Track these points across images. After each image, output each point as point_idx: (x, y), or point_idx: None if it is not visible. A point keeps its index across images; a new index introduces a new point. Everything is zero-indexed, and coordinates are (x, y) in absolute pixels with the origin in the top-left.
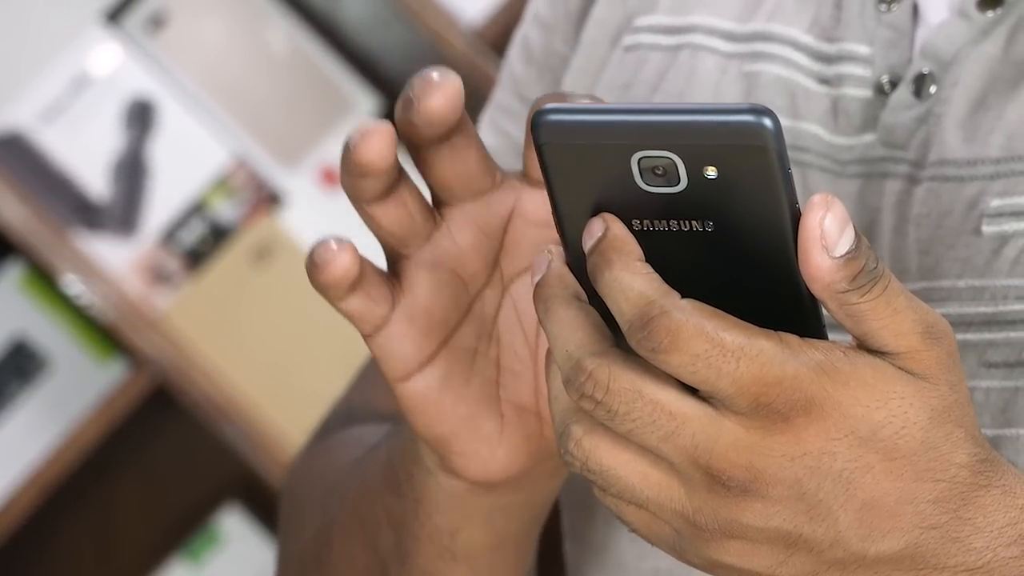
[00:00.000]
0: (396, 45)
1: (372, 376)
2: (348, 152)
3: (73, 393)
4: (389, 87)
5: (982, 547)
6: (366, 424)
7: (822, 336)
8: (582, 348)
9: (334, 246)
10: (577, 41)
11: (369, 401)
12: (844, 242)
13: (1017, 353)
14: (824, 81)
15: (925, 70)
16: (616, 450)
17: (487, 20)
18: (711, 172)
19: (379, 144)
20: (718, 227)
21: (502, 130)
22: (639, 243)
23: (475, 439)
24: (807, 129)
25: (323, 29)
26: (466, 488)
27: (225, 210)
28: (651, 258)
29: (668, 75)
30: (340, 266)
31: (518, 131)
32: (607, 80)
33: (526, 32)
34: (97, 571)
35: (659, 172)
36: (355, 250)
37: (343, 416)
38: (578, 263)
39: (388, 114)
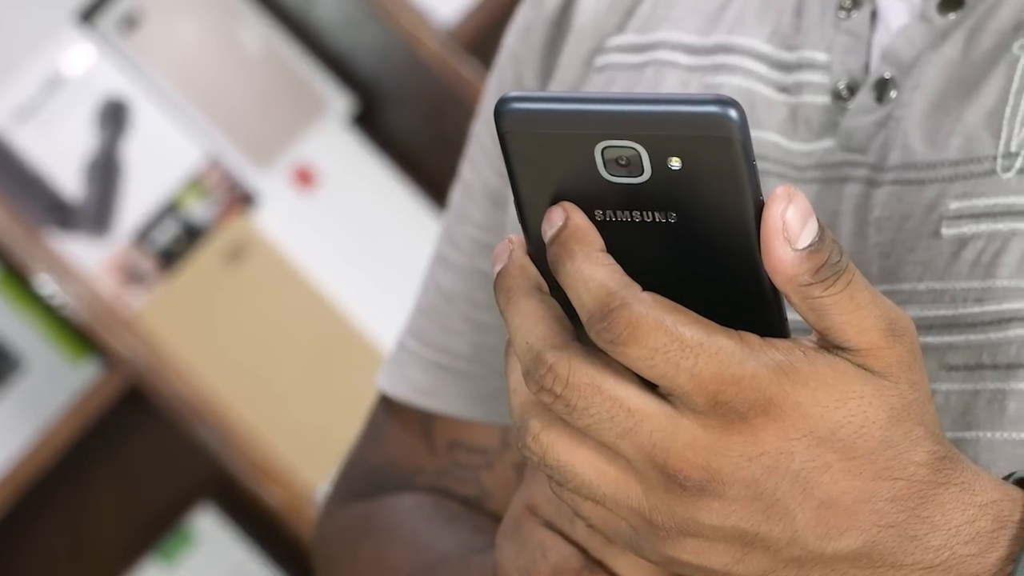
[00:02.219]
0: (370, 45)
1: (385, 433)
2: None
3: (46, 393)
4: (363, 87)
5: (939, 545)
6: (400, 494)
7: (784, 331)
8: (543, 341)
9: None
10: (550, 70)
11: (390, 461)
12: (807, 235)
13: (976, 356)
14: (783, 89)
15: (887, 75)
16: (574, 445)
17: (461, 20)
18: (675, 163)
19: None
20: (681, 219)
21: (479, 169)
22: (601, 234)
23: None
24: (766, 138)
25: (297, 29)
26: None
27: (198, 210)
28: (613, 249)
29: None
30: None
31: (490, 170)
32: None
33: (501, 64)
34: (70, 571)
35: (623, 162)
36: None
37: (365, 478)
38: (540, 253)
39: (361, 114)
